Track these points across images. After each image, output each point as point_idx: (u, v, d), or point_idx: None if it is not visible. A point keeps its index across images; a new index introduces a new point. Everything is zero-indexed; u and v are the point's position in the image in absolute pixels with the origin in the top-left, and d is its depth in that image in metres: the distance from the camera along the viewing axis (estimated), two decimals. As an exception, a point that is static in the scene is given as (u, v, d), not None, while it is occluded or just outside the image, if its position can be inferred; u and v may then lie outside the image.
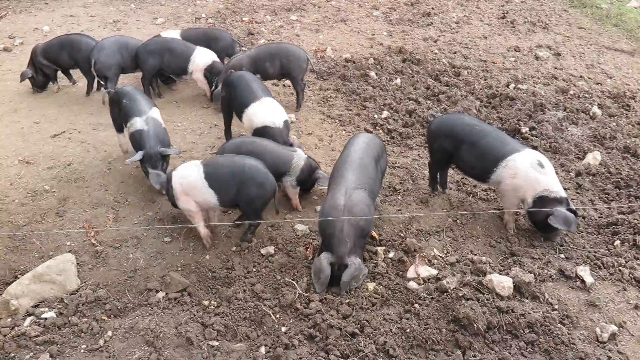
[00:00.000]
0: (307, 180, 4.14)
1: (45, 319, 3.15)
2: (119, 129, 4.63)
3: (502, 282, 3.27)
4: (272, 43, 6.18)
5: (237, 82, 4.74)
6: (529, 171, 3.73)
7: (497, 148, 3.86)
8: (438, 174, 4.35)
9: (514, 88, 6.09)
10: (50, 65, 5.86)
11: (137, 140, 4.25)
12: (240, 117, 4.69)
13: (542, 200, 3.69)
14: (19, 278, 3.39)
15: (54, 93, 6.05)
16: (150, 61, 5.56)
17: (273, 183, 3.70)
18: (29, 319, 3.15)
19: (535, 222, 3.84)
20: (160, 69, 5.69)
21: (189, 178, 3.66)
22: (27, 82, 5.99)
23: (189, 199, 3.67)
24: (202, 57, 5.63)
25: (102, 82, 5.65)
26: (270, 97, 4.66)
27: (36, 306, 3.26)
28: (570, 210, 3.71)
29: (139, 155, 4.11)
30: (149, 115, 4.31)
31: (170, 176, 3.74)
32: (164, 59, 5.58)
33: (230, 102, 4.78)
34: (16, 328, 3.08)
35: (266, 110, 4.50)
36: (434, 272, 3.49)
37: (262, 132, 4.40)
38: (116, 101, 4.52)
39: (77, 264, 3.55)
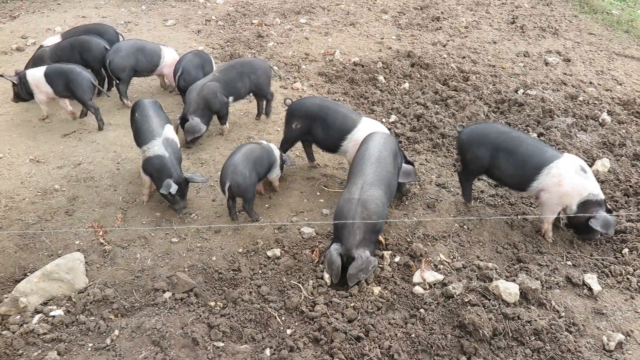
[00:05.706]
0: (282, 164, 4.40)
1: (54, 316, 3.18)
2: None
3: (509, 289, 3.27)
4: (232, 63, 5.36)
5: (322, 110, 4.34)
6: (575, 178, 3.71)
7: (537, 155, 3.80)
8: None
9: (523, 93, 6.08)
10: None
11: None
12: (336, 147, 4.32)
13: (585, 205, 3.71)
14: (28, 276, 3.43)
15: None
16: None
17: None
18: (37, 317, 3.19)
19: (577, 226, 3.84)
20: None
21: None
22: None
23: None
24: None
25: (116, 82, 5.74)
26: (363, 115, 4.41)
27: (45, 304, 3.30)
28: (608, 210, 3.77)
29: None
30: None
31: None
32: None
33: (309, 133, 4.44)
34: (25, 325, 3.12)
35: (375, 129, 4.16)
36: (440, 277, 3.49)
37: None
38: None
39: (86, 262, 3.59)
